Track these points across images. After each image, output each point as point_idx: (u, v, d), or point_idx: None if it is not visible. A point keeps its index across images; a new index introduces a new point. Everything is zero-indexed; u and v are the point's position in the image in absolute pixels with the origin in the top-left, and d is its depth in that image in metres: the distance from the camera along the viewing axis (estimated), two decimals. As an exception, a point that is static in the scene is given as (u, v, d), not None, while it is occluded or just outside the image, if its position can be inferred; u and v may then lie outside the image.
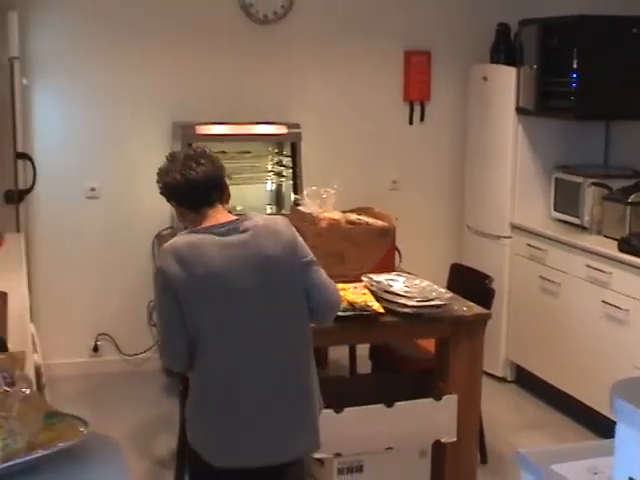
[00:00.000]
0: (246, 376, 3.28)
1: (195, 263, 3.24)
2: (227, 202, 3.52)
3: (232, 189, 6.22)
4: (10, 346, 3.38)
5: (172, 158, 3.57)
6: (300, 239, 3.50)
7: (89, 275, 6.14)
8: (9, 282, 4.42)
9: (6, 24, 5.67)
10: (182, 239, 3.35)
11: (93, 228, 6.25)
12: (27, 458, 1.76)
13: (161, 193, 3.51)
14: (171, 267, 3.25)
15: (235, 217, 3.44)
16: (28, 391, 1.89)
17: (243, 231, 3.35)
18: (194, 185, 3.38)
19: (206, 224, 3.38)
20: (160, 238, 6.39)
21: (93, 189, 6.24)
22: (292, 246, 3.41)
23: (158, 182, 3.50)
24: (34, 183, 5.93)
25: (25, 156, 5.94)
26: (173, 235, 5.91)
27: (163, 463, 5.17)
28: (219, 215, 3.42)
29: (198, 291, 3.24)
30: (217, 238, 3.31)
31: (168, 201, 3.53)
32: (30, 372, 3.18)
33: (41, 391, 3.88)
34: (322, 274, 3.53)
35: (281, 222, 3.49)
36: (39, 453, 1.77)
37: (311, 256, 3.51)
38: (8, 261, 4.91)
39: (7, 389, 1.85)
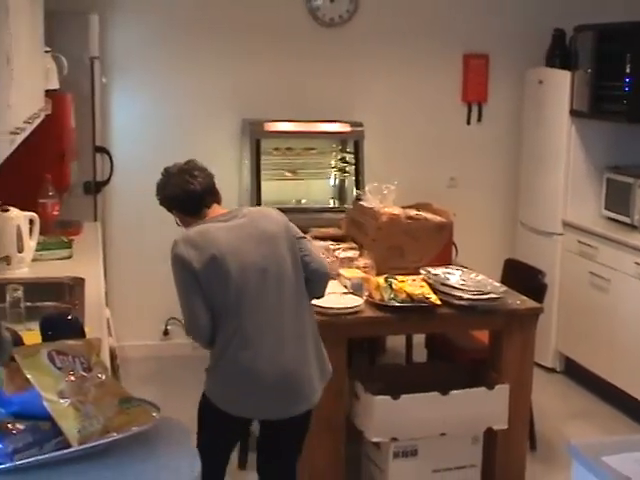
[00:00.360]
0: (259, 337, 3.51)
1: (208, 245, 3.49)
2: (220, 202, 3.76)
3: (297, 184, 6.38)
4: (87, 329, 3.40)
5: (167, 173, 3.78)
6: (290, 222, 3.76)
7: (161, 262, 6.10)
8: (86, 268, 4.47)
9: (87, 26, 5.72)
10: (191, 230, 3.60)
11: (165, 217, 6.24)
12: (102, 441, 1.77)
13: (161, 204, 3.77)
14: (187, 252, 3.49)
15: (234, 210, 3.71)
16: (104, 377, 1.89)
17: (242, 217, 3.63)
18: (192, 195, 3.66)
19: (214, 216, 3.64)
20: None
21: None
22: (285, 225, 3.70)
23: (157, 195, 3.76)
24: (111, 175, 5.97)
25: (103, 150, 5.98)
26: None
27: (228, 442, 5.17)
28: (217, 210, 3.69)
29: (215, 268, 3.47)
30: (222, 224, 3.58)
31: (169, 211, 3.78)
32: (105, 355, 3.21)
33: (115, 372, 3.91)
34: (313, 248, 3.86)
35: (272, 210, 3.82)
36: (113, 436, 1.77)
37: (302, 234, 3.81)
38: (86, 248, 4.95)
39: (84, 374, 1.84)
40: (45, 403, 1.77)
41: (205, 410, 3.74)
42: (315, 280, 3.76)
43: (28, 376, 1.80)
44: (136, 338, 6.28)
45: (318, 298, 3.93)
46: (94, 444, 1.75)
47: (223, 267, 3.47)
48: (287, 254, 3.62)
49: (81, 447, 1.74)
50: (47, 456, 1.74)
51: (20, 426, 1.74)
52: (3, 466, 1.72)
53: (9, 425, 1.75)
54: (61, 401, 1.77)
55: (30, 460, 1.73)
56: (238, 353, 3.51)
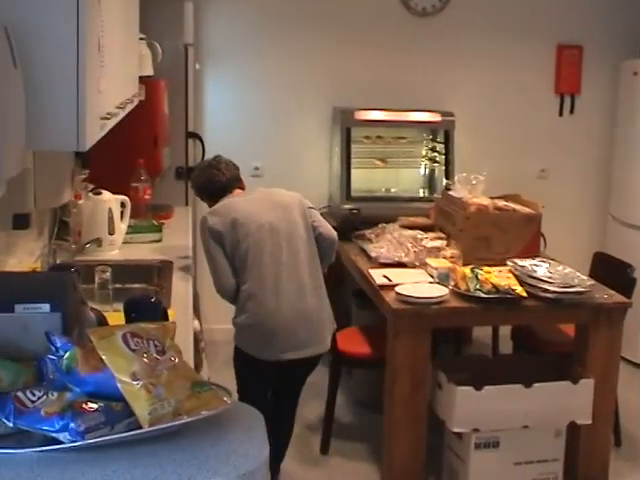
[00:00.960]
0: (279, 287, 4.04)
1: (229, 212, 4.09)
2: (243, 188, 4.36)
3: (387, 172, 6.35)
4: (172, 312, 3.44)
5: (198, 168, 4.53)
6: (302, 197, 4.32)
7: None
8: (175, 252, 4.52)
9: (182, 13, 5.77)
10: (215, 206, 4.20)
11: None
12: (173, 423, 1.77)
13: (195, 194, 4.53)
14: (212, 221, 4.07)
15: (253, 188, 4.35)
16: (177, 360, 1.89)
17: (258, 192, 4.29)
18: (218, 185, 4.27)
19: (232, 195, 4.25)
20: (318, 216, 6.42)
21: (257, 168, 6.28)
22: (298, 198, 4.28)
23: (192, 186, 4.51)
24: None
25: (195, 135, 6.03)
26: (330, 214, 6.04)
27: (311, 428, 5.20)
28: (238, 192, 4.29)
29: (236, 229, 4.04)
30: (240, 198, 4.22)
31: (200, 198, 4.48)
32: (189, 338, 3.23)
33: (200, 355, 3.95)
34: (321, 217, 4.34)
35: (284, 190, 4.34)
36: (184, 419, 1.77)
37: (312, 205, 4.32)
38: (176, 232, 5.01)
39: (157, 357, 1.85)
40: (118, 384, 1.78)
41: (238, 360, 4.21)
42: (323, 244, 4.24)
43: (102, 357, 1.81)
44: (224, 321, 6.31)
45: (328, 263, 4.37)
46: (165, 426, 1.76)
47: (243, 228, 4.04)
48: (299, 219, 4.17)
49: (152, 428, 1.75)
50: (117, 436, 1.75)
51: (94, 405, 1.76)
52: (74, 444, 1.74)
53: (83, 404, 1.77)
54: (133, 383, 1.78)
55: (100, 439, 1.75)
56: (261, 302, 4.03)
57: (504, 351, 5.76)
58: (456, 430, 4.28)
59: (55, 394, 1.80)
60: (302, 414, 5.33)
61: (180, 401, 1.79)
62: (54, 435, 1.75)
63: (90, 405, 1.77)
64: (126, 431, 1.76)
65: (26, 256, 3.96)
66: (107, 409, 1.77)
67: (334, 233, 4.30)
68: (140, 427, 1.76)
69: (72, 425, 1.73)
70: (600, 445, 4.51)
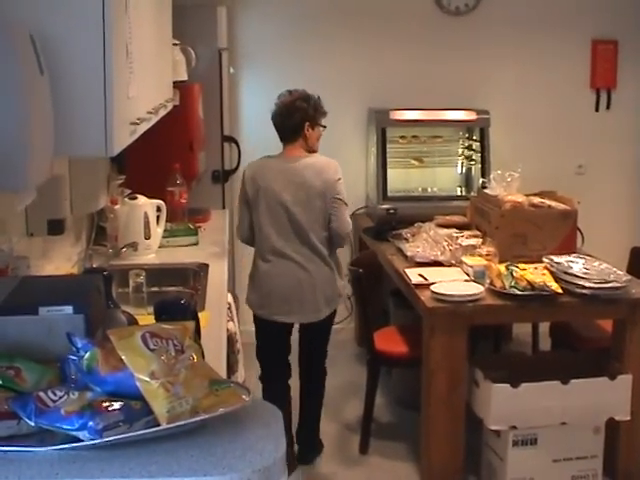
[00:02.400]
0: (283, 256, 4.51)
1: (260, 178, 4.53)
2: (306, 143, 4.61)
3: (424, 171, 6.36)
4: (207, 314, 3.48)
5: (276, 102, 4.69)
6: (340, 181, 4.55)
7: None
8: (211, 255, 4.55)
9: (216, 18, 5.81)
10: (259, 161, 4.67)
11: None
12: (191, 420, 1.79)
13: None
14: (247, 179, 4.59)
15: (303, 155, 4.58)
16: (195, 359, 1.92)
17: (299, 163, 4.52)
18: (276, 128, 4.65)
19: (283, 155, 4.61)
20: (355, 217, 6.42)
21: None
22: (330, 184, 4.50)
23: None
24: (239, 164, 6.02)
25: (231, 139, 6.07)
26: (368, 214, 6.04)
27: (350, 427, 5.21)
28: (294, 151, 4.58)
29: (258, 197, 4.51)
30: (281, 164, 4.55)
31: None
32: (222, 339, 3.26)
33: (235, 356, 3.97)
34: (343, 211, 4.56)
35: (332, 165, 4.59)
36: (202, 416, 1.80)
37: (341, 195, 4.54)
38: (212, 235, 5.04)
39: (176, 356, 1.88)
40: (137, 383, 1.81)
41: (254, 318, 4.71)
42: (333, 236, 4.56)
43: (122, 357, 1.84)
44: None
45: (338, 248, 4.72)
46: (182, 423, 1.78)
47: (264, 199, 4.50)
48: (318, 204, 4.48)
49: (169, 426, 1.78)
50: (135, 434, 1.78)
51: (113, 404, 1.79)
52: (93, 442, 1.77)
53: (104, 403, 1.80)
54: (152, 381, 1.80)
55: (118, 437, 1.77)
56: (264, 265, 4.55)
57: (544, 348, 5.73)
58: (493, 428, 4.27)
59: (76, 394, 1.84)
60: (341, 414, 5.38)
61: (198, 399, 1.81)
62: (74, 433, 1.78)
63: (109, 404, 1.80)
64: (144, 429, 1.79)
65: (63, 261, 4.01)
66: (126, 408, 1.80)
67: (347, 229, 4.61)
68: (158, 425, 1.78)
69: (91, 423, 1.76)
70: (639, 441, 4.47)
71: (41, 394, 1.83)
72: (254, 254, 4.68)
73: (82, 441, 1.78)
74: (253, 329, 6.04)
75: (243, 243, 4.84)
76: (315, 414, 4.86)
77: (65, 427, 1.78)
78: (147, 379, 1.82)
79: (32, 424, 1.80)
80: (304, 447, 4.85)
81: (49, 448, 1.81)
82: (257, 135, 6.27)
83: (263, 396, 4.55)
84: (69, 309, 2.11)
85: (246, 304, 4.74)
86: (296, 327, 4.75)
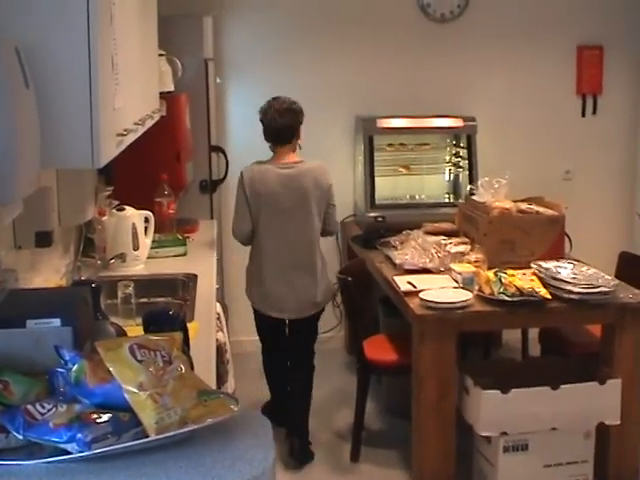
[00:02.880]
0: (278, 258, 4.82)
1: (260, 184, 4.75)
2: (297, 142, 4.92)
3: (411, 179, 6.37)
4: (196, 324, 3.48)
5: (268, 106, 4.87)
6: (333, 185, 4.94)
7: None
8: (200, 265, 4.55)
9: (201, 28, 5.81)
10: (257, 166, 4.85)
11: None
12: (179, 431, 1.80)
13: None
14: (246, 182, 4.76)
15: (296, 160, 4.85)
16: (183, 370, 1.92)
17: (296, 170, 4.80)
18: (274, 130, 4.82)
19: (276, 159, 4.84)
20: (343, 225, 6.44)
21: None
22: (326, 191, 4.88)
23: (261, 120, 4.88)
24: (226, 174, 6.03)
25: (218, 149, 6.07)
26: (356, 222, 6.05)
27: (341, 435, 5.22)
28: (286, 155, 4.84)
29: (259, 201, 4.75)
30: (277, 170, 4.79)
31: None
32: (211, 349, 3.26)
33: (225, 366, 3.97)
34: (335, 213, 4.99)
35: (325, 170, 4.94)
36: (190, 427, 1.80)
37: (334, 200, 4.95)
38: (201, 246, 5.05)
39: (164, 367, 1.88)
40: (125, 394, 1.81)
41: (252, 307, 5.05)
42: (324, 234, 4.98)
43: (110, 368, 1.85)
44: (252, 333, 6.35)
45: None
46: (171, 434, 1.79)
47: (265, 205, 4.75)
48: (314, 209, 4.81)
49: (158, 437, 1.78)
50: (123, 445, 1.78)
51: (101, 416, 1.79)
52: (81, 454, 1.77)
53: (92, 415, 1.80)
54: (140, 393, 1.81)
55: (107, 449, 1.78)
56: (261, 265, 4.86)
57: (534, 354, 5.74)
58: (484, 434, 4.28)
59: (64, 406, 1.84)
60: (332, 422, 5.38)
61: (186, 410, 1.81)
62: (62, 446, 1.79)
63: (97, 416, 1.80)
64: (133, 440, 1.79)
65: (52, 273, 4.00)
66: (115, 419, 1.80)
67: (337, 229, 5.31)
68: (147, 436, 1.79)
69: (79, 436, 1.77)
70: (630, 445, 4.48)
71: (29, 407, 1.83)
72: (252, 252, 4.96)
73: (71, 454, 1.79)
74: (243, 339, 6.09)
75: (240, 242, 4.96)
76: (305, 409, 5.05)
77: (54, 440, 1.78)
78: (135, 390, 1.82)
79: (21, 437, 1.81)
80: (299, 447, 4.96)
81: (38, 461, 1.81)
82: (244, 145, 6.27)
83: (265, 367, 5.27)
84: (57, 322, 2.11)
85: (245, 294, 5.08)
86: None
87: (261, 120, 4.86)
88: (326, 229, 4.95)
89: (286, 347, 5.12)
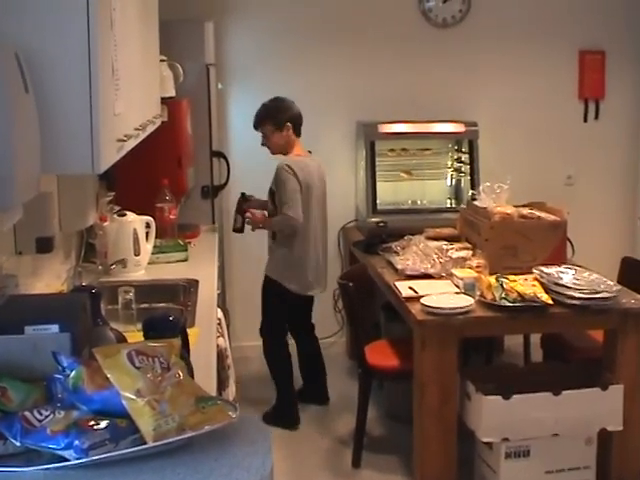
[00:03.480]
0: (311, 241, 5.37)
1: (305, 175, 5.26)
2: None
3: (414, 184, 6.38)
4: (197, 330, 3.47)
5: (289, 102, 5.43)
6: None
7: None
8: (201, 270, 4.55)
9: (203, 33, 5.81)
10: (296, 158, 5.33)
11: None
12: (177, 438, 1.79)
13: (283, 124, 5.33)
14: (299, 173, 5.20)
15: (307, 151, 5.47)
16: (182, 376, 1.92)
17: (317, 161, 5.47)
18: (300, 122, 5.41)
19: (296, 150, 5.39)
20: (345, 230, 6.43)
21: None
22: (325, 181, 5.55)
23: (280, 117, 5.34)
24: (228, 179, 6.03)
25: (220, 154, 6.06)
26: (358, 227, 6.06)
27: (343, 441, 5.21)
28: (301, 146, 5.44)
29: (307, 191, 5.25)
30: (311, 163, 5.39)
31: (278, 128, 5.33)
32: (212, 355, 3.26)
33: (226, 372, 3.96)
34: None
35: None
36: (188, 434, 1.79)
37: None
38: (202, 251, 5.04)
39: (162, 374, 1.88)
40: (123, 401, 1.81)
41: (275, 290, 5.41)
42: None
43: (108, 375, 1.84)
44: (255, 338, 6.35)
45: None
46: (168, 441, 1.78)
47: (307, 193, 5.25)
48: (325, 195, 5.51)
49: (156, 444, 1.77)
50: (121, 452, 1.78)
51: (98, 423, 1.79)
52: (78, 461, 1.77)
53: (90, 422, 1.80)
54: (138, 399, 1.81)
55: (104, 456, 1.77)
56: (305, 250, 5.34)
57: (536, 359, 5.73)
58: (485, 440, 4.27)
59: (62, 413, 1.84)
60: (333, 428, 5.37)
61: (184, 416, 1.81)
62: (60, 453, 1.79)
63: (95, 422, 1.79)
64: (131, 447, 1.79)
65: (53, 279, 4.00)
66: (112, 426, 1.80)
67: None
68: (145, 443, 1.78)
69: (76, 442, 1.76)
70: (632, 451, 4.46)
71: (27, 414, 1.83)
72: (294, 239, 5.30)
73: (68, 460, 1.78)
74: (245, 344, 6.09)
75: (292, 231, 5.27)
76: (323, 367, 5.78)
77: (51, 446, 1.78)
78: (133, 397, 1.82)
79: (18, 444, 1.80)
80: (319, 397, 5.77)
81: (35, 468, 1.80)
82: (246, 149, 6.28)
83: (285, 356, 5.55)
84: (55, 328, 2.11)
85: (274, 279, 5.40)
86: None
87: (295, 115, 5.38)
88: None
89: (301, 323, 5.72)
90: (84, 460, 1.76)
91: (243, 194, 5.61)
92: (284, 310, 5.51)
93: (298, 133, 5.40)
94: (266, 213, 5.43)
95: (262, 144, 5.44)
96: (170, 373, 1.90)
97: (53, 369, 1.94)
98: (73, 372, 1.88)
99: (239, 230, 5.53)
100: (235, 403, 3.45)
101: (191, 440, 1.83)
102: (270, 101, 5.45)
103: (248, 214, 5.43)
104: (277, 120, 5.33)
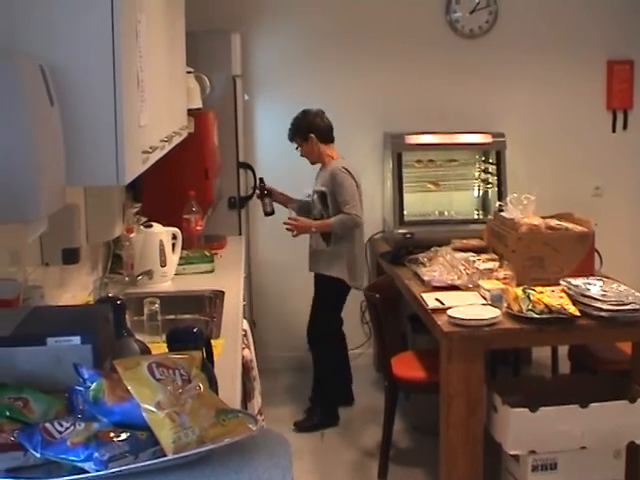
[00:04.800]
0: (361, 239, 5.73)
1: (355, 173, 5.52)
2: None
3: (440, 195, 6.39)
4: (222, 341, 3.47)
5: (311, 114, 5.59)
6: None
7: (303, 274, 6.15)
8: (228, 281, 4.55)
9: (229, 45, 5.83)
10: (346, 162, 5.58)
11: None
12: (196, 450, 1.78)
13: (306, 136, 5.51)
14: (351, 172, 5.48)
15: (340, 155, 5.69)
16: (202, 389, 1.91)
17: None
18: (331, 130, 5.59)
19: (334, 155, 5.59)
20: (373, 241, 6.42)
21: (309, 195, 6.23)
22: None
23: (303, 130, 5.52)
24: (254, 190, 6.03)
25: (247, 165, 6.08)
26: (385, 239, 6.05)
27: (369, 452, 5.19)
28: (336, 152, 5.64)
29: (360, 192, 5.52)
30: (352, 165, 5.59)
31: (305, 140, 5.53)
32: (237, 367, 3.25)
33: (251, 383, 3.95)
34: None
35: None
36: (208, 446, 1.78)
37: None
38: (229, 262, 5.03)
39: (182, 386, 1.87)
40: (143, 413, 1.80)
41: (335, 288, 5.64)
42: None
43: (128, 387, 1.84)
44: (281, 349, 6.35)
45: None
46: (188, 453, 1.77)
47: (359, 192, 5.51)
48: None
49: (175, 456, 1.77)
50: (140, 464, 1.77)
51: (118, 435, 1.79)
52: (98, 473, 1.76)
53: (110, 434, 1.79)
54: (158, 412, 1.80)
55: (124, 468, 1.77)
56: (359, 245, 5.67)
57: (563, 371, 5.70)
58: (512, 453, 4.23)
59: (82, 424, 1.83)
60: (360, 439, 5.36)
61: (204, 429, 1.80)
62: (80, 465, 1.78)
63: (115, 434, 1.79)
64: (150, 459, 1.78)
65: (80, 290, 4.02)
66: (132, 438, 1.80)
67: None
68: (164, 455, 1.77)
69: (96, 454, 1.76)
70: (661, 465, 4.42)
71: (47, 425, 1.83)
72: (352, 248, 5.58)
73: (88, 472, 1.78)
74: (272, 354, 6.09)
75: (355, 228, 5.53)
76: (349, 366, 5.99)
77: (71, 458, 1.78)
78: (153, 409, 1.81)
79: (38, 455, 1.80)
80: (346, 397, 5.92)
81: (56, 480, 1.80)
82: (273, 161, 6.30)
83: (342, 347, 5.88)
84: (77, 339, 2.11)
85: (342, 279, 5.58)
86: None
87: (317, 125, 5.54)
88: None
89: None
90: (104, 472, 1.76)
91: (261, 179, 5.75)
92: (341, 308, 5.75)
93: (328, 140, 5.59)
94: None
95: (301, 155, 5.64)
96: (191, 385, 1.89)
97: (75, 381, 1.94)
98: (94, 384, 1.88)
99: (271, 213, 5.72)
100: (259, 415, 3.46)
101: (211, 453, 1.82)
102: (298, 114, 5.61)
103: (290, 220, 5.52)
104: (301, 133, 5.53)
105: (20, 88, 1.98)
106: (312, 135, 5.50)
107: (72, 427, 1.82)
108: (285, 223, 5.50)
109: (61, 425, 1.83)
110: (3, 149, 1.95)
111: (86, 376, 1.90)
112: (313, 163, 5.65)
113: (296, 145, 5.60)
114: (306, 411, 5.72)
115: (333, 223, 5.43)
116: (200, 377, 1.95)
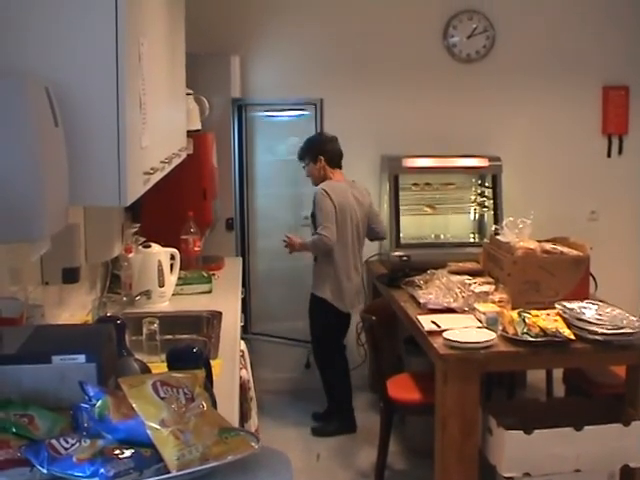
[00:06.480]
0: (348, 263, 5.69)
1: (338, 196, 5.59)
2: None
3: (437, 218, 6.42)
4: (220, 361, 3.50)
5: (326, 137, 5.85)
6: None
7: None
8: (225, 302, 4.56)
9: (229, 67, 5.89)
10: (331, 183, 5.68)
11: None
12: (200, 467, 1.82)
13: (316, 157, 5.71)
14: (331, 195, 5.54)
15: (347, 179, 5.82)
16: (205, 407, 1.94)
17: (354, 188, 5.79)
18: (340, 155, 5.79)
19: (337, 177, 5.74)
20: (368, 264, 6.45)
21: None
22: (369, 199, 5.91)
23: (314, 151, 5.74)
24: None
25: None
26: (381, 261, 6.07)
27: (364, 474, 5.21)
28: (341, 175, 5.80)
29: (337, 212, 5.53)
30: (347, 187, 5.72)
31: (313, 160, 5.72)
32: (235, 387, 3.28)
33: (248, 404, 3.98)
34: (380, 215, 6.10)
35: (363, 188, 5.94)
36: (211, 463, 1.82)
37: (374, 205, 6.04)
38: (226, 283, 5.06)
39: (186, 404, 1.91)
40: (147, 430, 1.84)
41: (321, 307, 5.74)
42: (374, 236, 5.99)
43: (133, 405, 1.87)
44: (279, 370, 6.37)
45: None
46: (191, 470, 1.81)
47: (341, 214, 5.56)
48: (365, 217, 5.79)
49: (179, 473, 1.80)
50: (145, 481, 1.81)
51: (123, 451, 1.82)
52: (103, 489, 1.80)
53: (115, 451, 1.83)
54: (162, 429, 1.83)
55: (128, 484, 1.80)
56: (347, 282, 5.70)
57: (558, 394, 5.72)
58: (507, 475, 4.25)
59: (88, 441, 1.86)
60: (355, 461, 5.37)
61: (207, 446, 1.84)
62: (86, 481, 1.81)
63: (120, 451, 1.82)
64: (155, 476, 1.81)
65: (79, 309, 4.04)
66: (137, 455, 1.83)
67: (386, 232, 6.06)
68: (168, 472, 1.81)
69: (102, 471, 1.79)
70: (654, 488, 4.45)
71: (53, 442, 1.86)
72: (333, 269, 5.66)
73: (93, 488, 1.81)
74: (267, 376, 6.11)
75: (327, 250, 5.58)
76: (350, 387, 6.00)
77: (77, 474, 1.80)
78: (157, 427, 1.84)
79: (45, 471, 1.83)
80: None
81: (61, 496, 1.83)
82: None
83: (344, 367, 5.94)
84: (82, 358, 2.14)
85: (324, 298, 5.70)
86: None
87: (328, 149, 5.75)
88: (374, 229, 5.91)
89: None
90: (108, 488, 1.79)
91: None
92: (331, 327, 5.82)
93: (335, 165, 5.77)
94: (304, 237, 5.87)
95: (307, 175, 5.84)
96: (194, 404, 1.93)
97: (79, 398, 1.97)
98: (99, 402, 1.91)
99: None
100: (257, 435, 3.49)
101: (214, 470, 1.85)
102: (312, 136, 5.92)
103: (285, 237, 5.70)
104: (312, 153, 5.75)
105: (26, 109, 2.02)
106: (322, 157, 5.70)
107: (78, 443, 1.85)
108: (283, 240, 5.72)
109: (67, 441, 1.86)
110: (9, 169, 1.99)
111: (92, 394, 1.93)
112: (315, 184, 5.73)
113: (304, 164, 5.79)
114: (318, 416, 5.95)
115: (309, 243, 5.71)
116: (203, 396, 1.99)
